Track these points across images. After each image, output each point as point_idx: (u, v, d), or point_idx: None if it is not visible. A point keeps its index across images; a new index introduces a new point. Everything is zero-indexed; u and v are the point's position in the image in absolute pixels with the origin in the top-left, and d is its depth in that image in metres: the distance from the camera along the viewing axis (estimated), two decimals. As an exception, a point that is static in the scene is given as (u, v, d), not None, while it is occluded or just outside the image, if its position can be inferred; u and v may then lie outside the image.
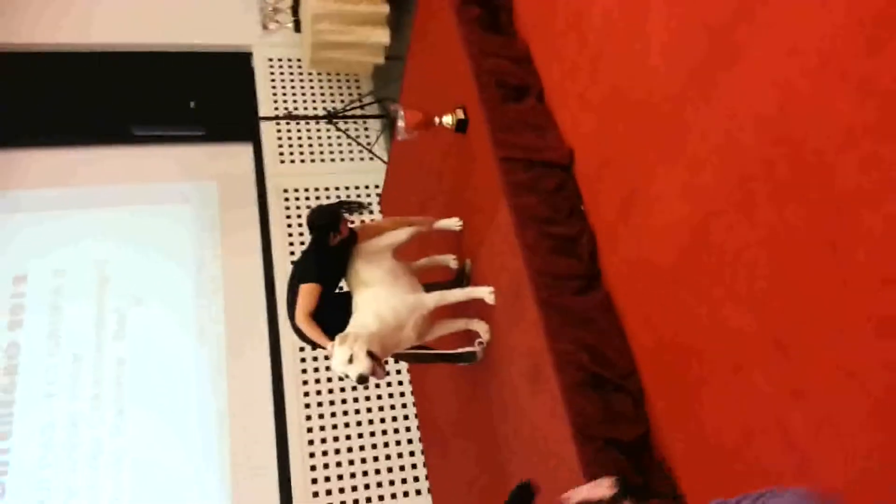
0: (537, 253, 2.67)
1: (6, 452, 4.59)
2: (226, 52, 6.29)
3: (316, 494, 4.62)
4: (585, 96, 2.75)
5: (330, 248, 3.22)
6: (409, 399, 4.99)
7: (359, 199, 5.38)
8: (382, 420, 4.94)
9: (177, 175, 5.75)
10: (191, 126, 5.10)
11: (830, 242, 1.62)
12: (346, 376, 2.82)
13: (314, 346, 3.23)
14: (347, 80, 6.36)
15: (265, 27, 5.99)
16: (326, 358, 3.77)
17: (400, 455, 4.84)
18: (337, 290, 3.34)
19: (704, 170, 2.07)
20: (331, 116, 5.28)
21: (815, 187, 1.65)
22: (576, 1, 2.71)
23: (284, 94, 6.17)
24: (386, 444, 4.85)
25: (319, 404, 4.93)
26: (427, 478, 4.66)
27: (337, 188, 5.90)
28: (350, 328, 2.95)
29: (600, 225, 2.71)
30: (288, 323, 3.29)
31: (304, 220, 5.60)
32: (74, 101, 5.71)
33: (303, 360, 5.05)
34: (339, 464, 4.74)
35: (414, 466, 4.80)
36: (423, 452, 4.71)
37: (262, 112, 5.93)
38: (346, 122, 5.90)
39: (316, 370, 5.04)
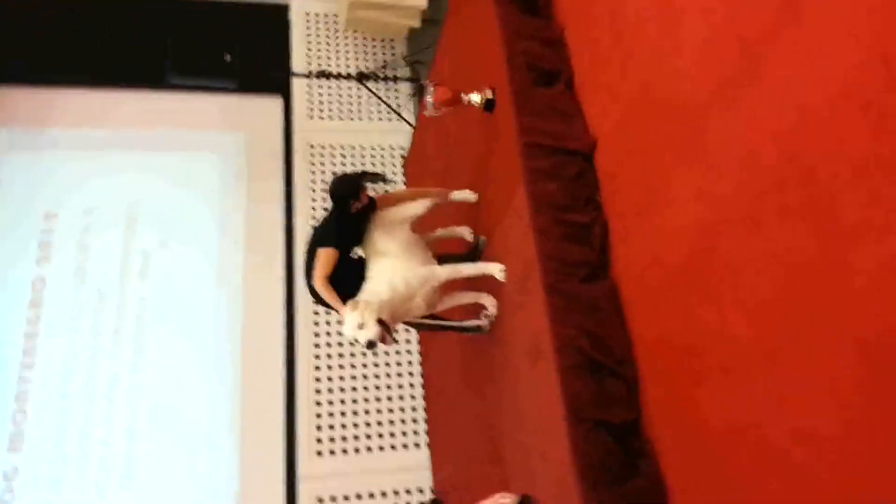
0: (550, 238, 2.75)
1: (28, 381, 4.82)
2: (264, 2, 6.31)
3: (319, 441, 4.83)
4: (614, 89, 2.79)
5: (350, 215, 3.33)
6: (415, 357, 5.15)
7: (381, 172, 5.46)
8: (388, 375, 5.11)
9: (207, 123, 5.85)
10: (224, 78, 5.16)
11: (831, 266, 1.69)
12: (356, 341, 2.96)
13: (328, 307, 3.36)
14: (382, 42, 6.37)
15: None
16: (338, 321, 3.91)
17: (402, 409, 5.03)
18: (353, 256, 3.47)
19: (720, 178, 2.13)
20: (362, 77, 5.32)
21: (823, 213, 1.72)
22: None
23: (318, 51, 6.20)
24: (389, 399, 5.03)
25: (329, 356, 5.11)
26: (427, 433, 4.85)
27: (363, 147, 5.96)
28: (362, 295, 3.08)
29: (614, 217, 2.78)
30: (304, 281, 3.43)
31: (327, 175, 5.73)
32: (113, 44, 5.78)
33: (315, 312, 5.21)
34: (343, 413, 4.93)
35: (415, 421, 4.99)
36: (424, 409, 4.89)
37: (295, 67, 5.97)
38: (376, 83, 5.93)
39: (328, 323, 5.20)
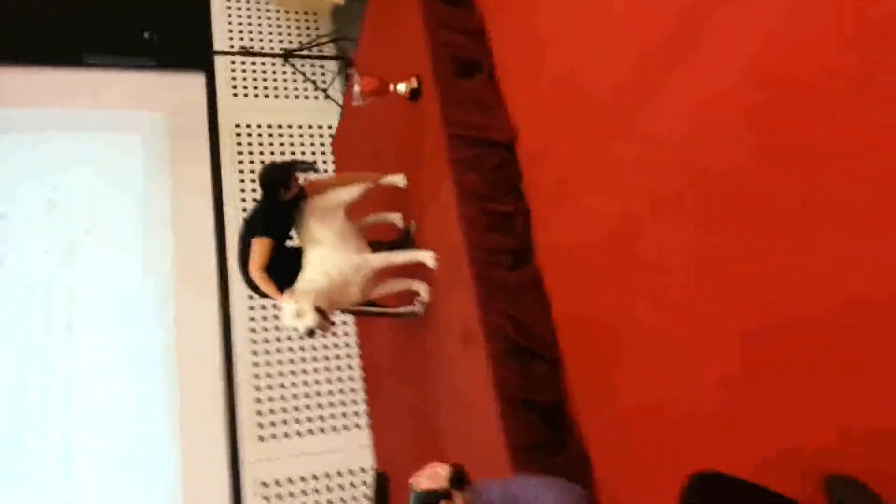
0: (476, 228, 2.86)
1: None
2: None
3: (261, 426, 4.86)
4: (533, 79, 2.89)
5: (281, 203, 3.34)
6: (353, 339, 5.22)
7: (312, 161, 5.42)
8: (327, 358, 5.16)
9: (127, 103, 5.61)
10: (143, 56, 4.97)
11: (720, 262, 1.87)
12: (296, 329, 3.02)
13: (265, 296, 3.39)
14: (306, 18, 6.22)
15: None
16: (275, 307, 3.92)
17: (342, 391, 5.10)
18: (288, 244, 3.49)
19: (637, 171, 2.26)
20: (287, 55, 5.22)
21: (715, 211, 1.88)
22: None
23: (240, 27, 6.01)
24: (329, 381, 5.09)
25: (266, 340, 5.11)
26: (368, 414, 4.96)
27: (290, 126, 5.86)
28: (299, 284, 3.13)
29: (536, 205, 2.91)
30: (240, 272, 3.44)
31: (255, 156, 5.63)
32: (26, 21, 5.43)
33: (251, 297, 5.16)
34: (283, 397, 4.96)
35: (355, 402, 5.08)
36: (364, 391, 4.99)
37: (217, 45, 5.78)
38: (302, 62, 5.83)
39: (263, 307, 5.18)
